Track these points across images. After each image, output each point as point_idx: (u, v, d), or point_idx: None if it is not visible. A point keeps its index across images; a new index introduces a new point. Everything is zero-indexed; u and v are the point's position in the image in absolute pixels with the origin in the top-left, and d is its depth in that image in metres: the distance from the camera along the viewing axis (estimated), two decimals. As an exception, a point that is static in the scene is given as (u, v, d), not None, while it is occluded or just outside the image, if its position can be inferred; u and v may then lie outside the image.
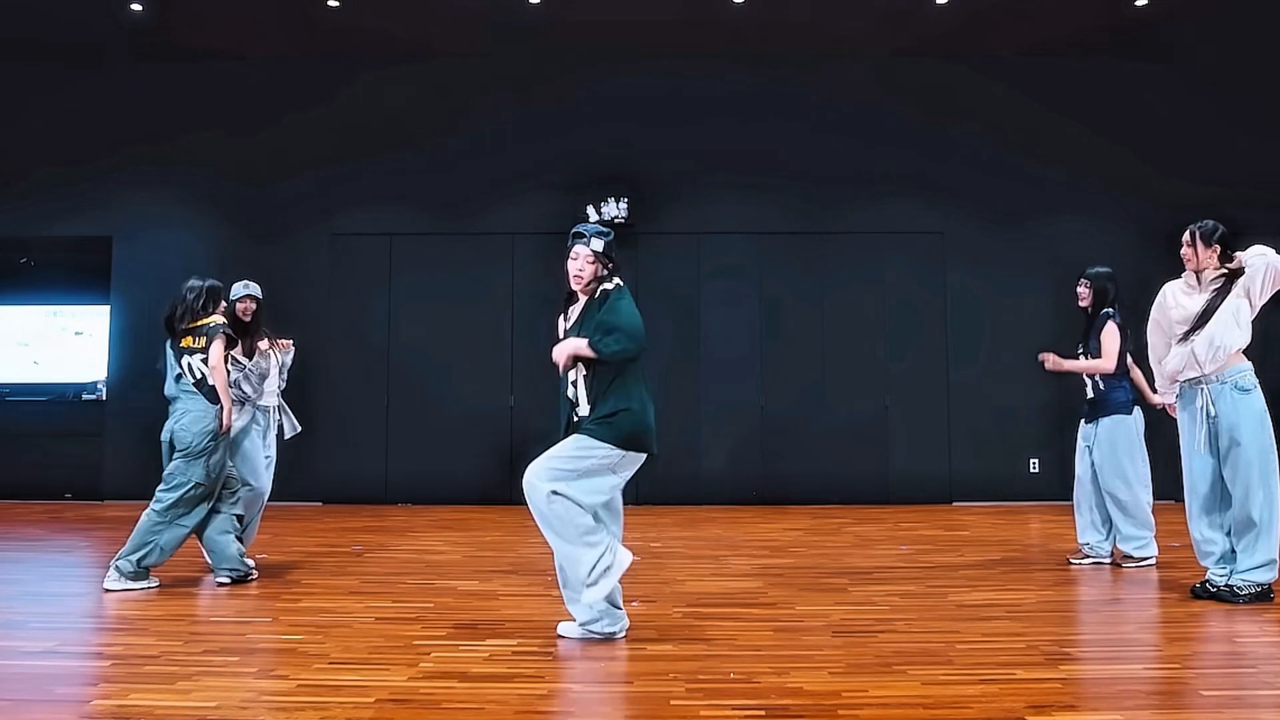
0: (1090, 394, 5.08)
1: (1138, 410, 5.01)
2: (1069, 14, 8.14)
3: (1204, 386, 4.04)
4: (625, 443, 3.31)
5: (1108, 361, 4.93)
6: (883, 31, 8.44)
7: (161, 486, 4.43)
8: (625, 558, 3.33)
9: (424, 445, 8.52)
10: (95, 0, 7.92)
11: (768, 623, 3.71)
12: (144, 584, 4.38)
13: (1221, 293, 4.00)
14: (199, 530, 4.51)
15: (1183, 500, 4.22)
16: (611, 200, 8.40)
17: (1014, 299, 8.55)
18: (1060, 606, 4.10)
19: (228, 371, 4.58)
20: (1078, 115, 8.72)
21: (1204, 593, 4.07)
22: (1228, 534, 4.06)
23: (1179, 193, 8.31)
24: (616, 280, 3.43)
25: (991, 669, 3.01)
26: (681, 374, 8.48)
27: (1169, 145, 8.65)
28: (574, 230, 3.48)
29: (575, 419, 3.39)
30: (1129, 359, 5.07)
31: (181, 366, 4.50)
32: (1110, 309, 5.02)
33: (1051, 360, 5.09)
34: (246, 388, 4.77)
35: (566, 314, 3.53)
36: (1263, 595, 3.93)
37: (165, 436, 4.48)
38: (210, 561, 4.58)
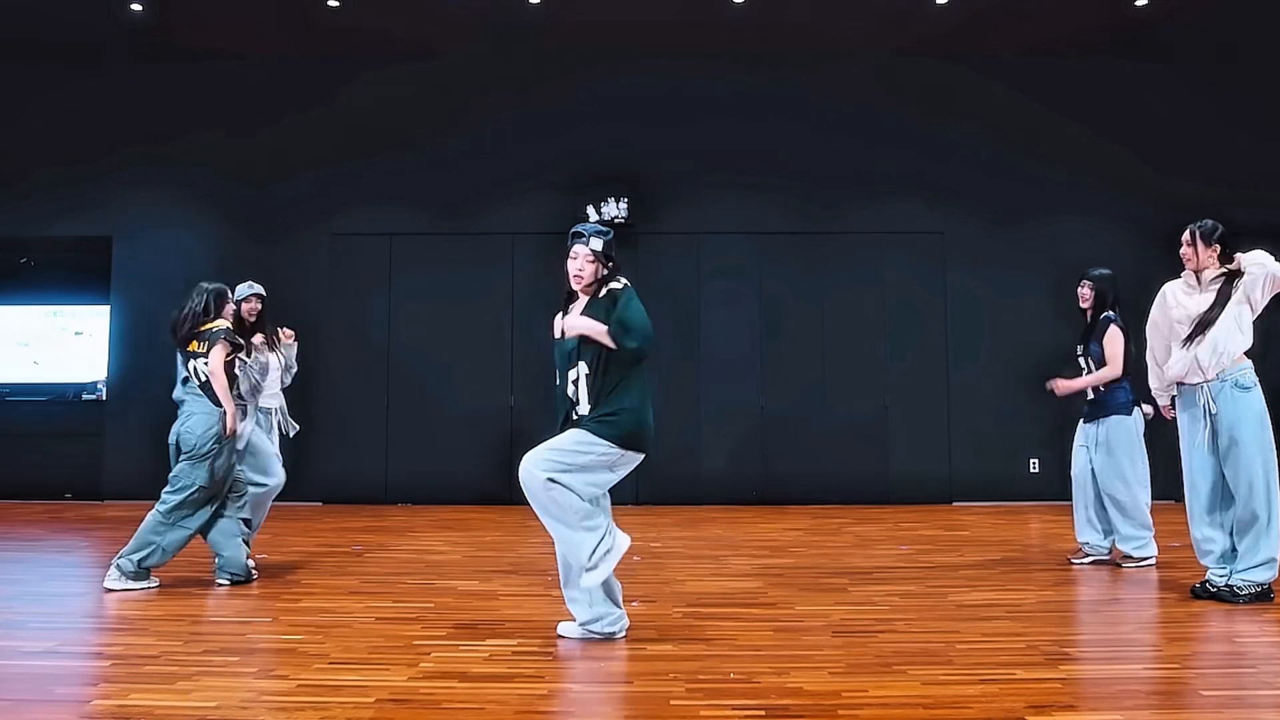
0: (1090, 394, 5.08)
1: (1138, 410, 5.00)
2: (1069, 14, 8.14)
3: (1204, 385, 4.05)
4: (625, 442, 3.31)
5: (1114, 367, 4.92)
6: (883, 31, 8.44)
7: (167, 488, 4.45)
8: (624, 540, 3.34)
9: (424, 445, 8.52)
10: (95, 0, 7.92)
11: (768, 623, 3.71)
12: (144, 584, 4.39)
13: (1221, 294, 4.01)
14: (203, 531, 4.52)
15: (1182, 500, 4.22)
16: (611, 200, 8.40)
17: (1014, 299, 8.55)
18: (1060, 606, 4.10)
19: (236, 376, 4.59)
20: (1078, 115, 8.72)
21: (1204, 593, 4.07)
22: (1229, 533, 4.06)
23: (1179, 193, 8.31)
24: (624, 280, 3.43)
25: (991, 669, 3.01)
26: (681, 374, 8.48)
27: (1169, 145, 8.65)
28: (573, 230, 3.48)
29: (575, 416, 3.39)
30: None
31: (188, 370, 4.51)
32: (1111, 311, 5.02)
33: (1061, 386, 5.07)
34: (244, 385, 4.76)
35: (566, 313, 3.52)
36: (1263, 595, 3.93)
37: (171, 439, 4.49)
38: (216, 563, 4.58)
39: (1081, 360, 5.10)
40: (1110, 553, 5.07)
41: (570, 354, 3.39)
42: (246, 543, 4.63)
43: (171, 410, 4.58)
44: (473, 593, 4.36)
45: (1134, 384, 5.09)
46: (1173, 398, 4.34)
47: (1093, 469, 5.05)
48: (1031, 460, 8.48)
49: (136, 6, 8.00)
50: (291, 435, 5.31)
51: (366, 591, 4.39)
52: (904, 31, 8.44)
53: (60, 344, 9.40)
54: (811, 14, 8.19)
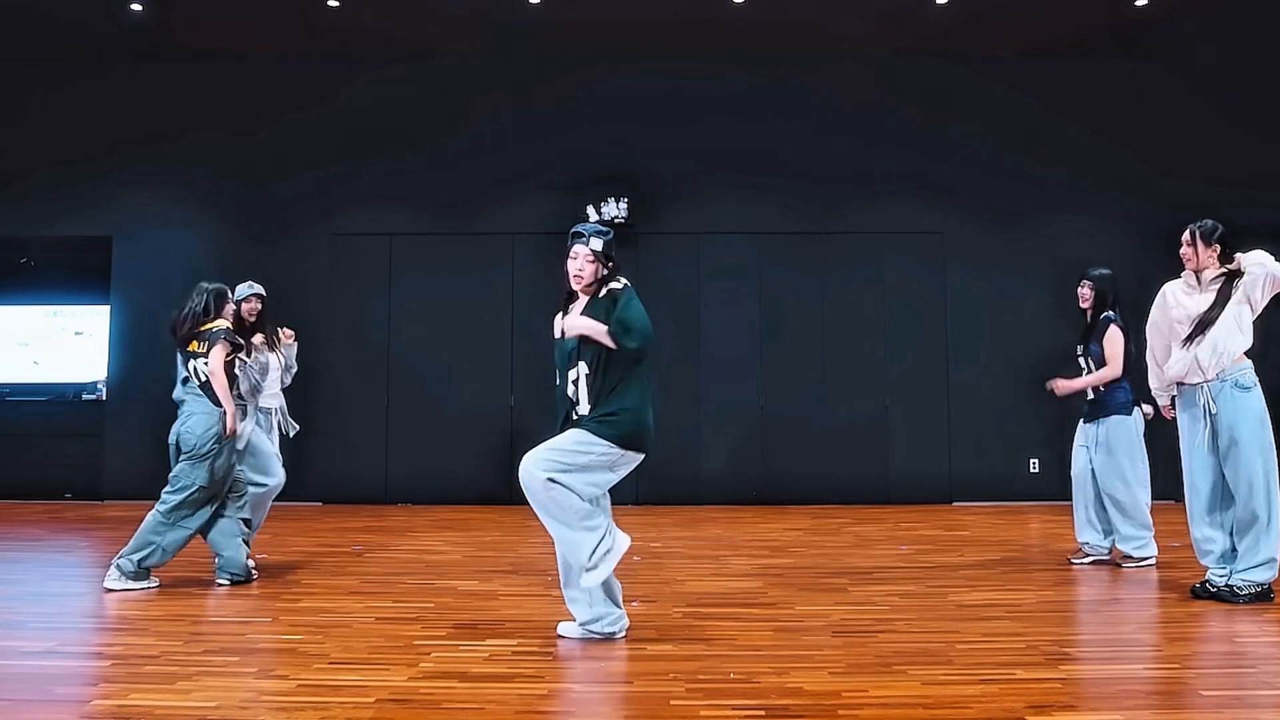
0: (1090, 395, 5.07)
1: (1138, 411, 5.00)
2: (1069, 14, 8.14)
3: (1204, 385, 4.05)
4: (625, 442, 3.30)
5: (1114, 367, 4.92)
6: (883, 31, 8.44)
7: (167, 489, 4.45)
8: (624, 540, 3.34)
9: (424, 445, 8.52)
10: (95, 0, 7.92)
11: (768, 623, 3.71)
12: (144, 584, 4.39)
13: (1221, 294, 4.01)
14: (203, 531, 4.52)
15: (1182, 500, 4.22)
16: (611, 200, 8.40)
17: (1014, 299, 8.55)
18: (1060, 606, 4.10)
19: (236, 376, 4.59)
20: (1078, 115, 8.72)
21: (1204, 593, 4.07)
22: (1229, 533, 4.06)
23: (1179, 193, 8.31)
24: (624, 280, 3.43)
25: (991, 669, 3.01)
26: (681, 374, 8.48)
27: (1169, 145, 8.64)
28: (573, 230, 3.48)
29: (575, 416, 3.38)
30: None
31: (188, 370, 4.51)
32: (1111, 312, 5.02)
33: (1060, 386, 5.07)
34: (244, 385, 4.76)
35: (566, 313, 3.52)
36: (1263, 595, 3.93)
37: (171, 439, 4.50)
38: (216, 563, 4.58)
39: (1081, 360, 5.10)
40: (1110, 553, 5.07)
41: (570, 354, 3.39)
42: (246, 543, 4.62)
43: (171, 410, 4.58)
44: (473, 593, 4.36)
45: (1134, 384, 5.09)
46: (1173, 398, 4.34)
47: (1093, 469, 5.05)
48: (1031, 460, 8.48)
49: (136, 6, 8.00)
50: (291, 435, 5.32)
51: (366, 591, 4.39)
52: (904, 31, 8.44)
53: (60, 344, 9.40)
54: (811, 14, 8.19)
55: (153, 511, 4.44)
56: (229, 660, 3.16)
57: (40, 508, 8.09)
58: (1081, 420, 5.18)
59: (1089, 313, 5.11)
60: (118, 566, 4.37)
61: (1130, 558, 4.94)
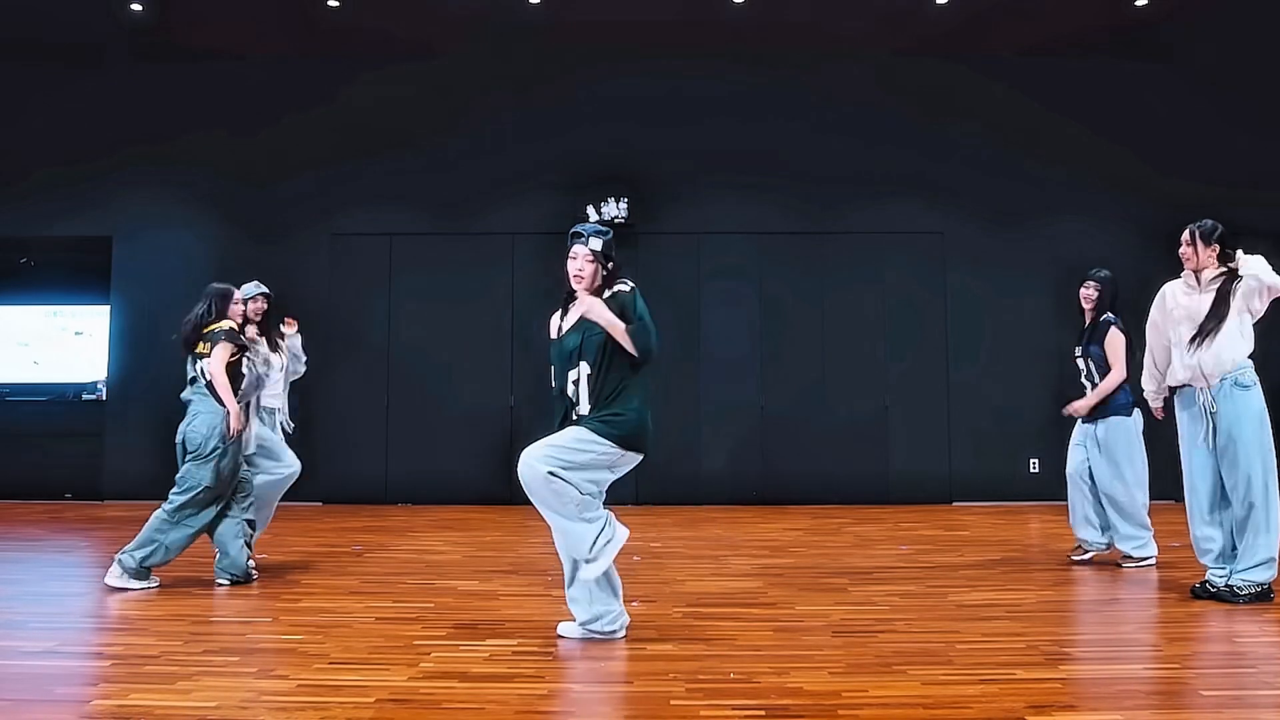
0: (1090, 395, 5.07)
1: (1137, 411, 5.00)
2: (1069, 14, 8.14)
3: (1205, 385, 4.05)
4: (626, 442, 3.31)
5: (1118, 371, 4.92)
6: (883, 31, 8.44)
7: (174, 489, 4.48)
8: (624, 531, 3.35)
9: (424, 445, 8.52)
10: (95, 0, 7.92)
11: (768, 623, 3.71)
12: (144, 584, 4.39)
13: (1221, 294, 4.00)
14: (209, 530, 4.53)
15: (1182, 500, 4.22)
16: (611, 200, 8.40)
17: (1014, 299, 8.55)
18: (1060, 606, 4.10)
19: (243, 375, 4.60)
20: (1078, 115, 8.72)
21: (1204, 593, 4.07)
22: (1229, 533, 4.06)
23: (1179, 193, 8.30)
24: (630, 283, 3.42)
25: (991, 669, 3.01)
26: (681, 374, 8.48)
27: (1169, 145, 8.64)
28: (572, 230, 3.48)
29: (574, 416, 3.38)
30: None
31: (195, 370, 4.52)
32: (1111, 313, 5.01)
33: (1078, 408, 5.01)
34: (246, 379, 4.74)
35: (566, 312, 3.52)
36: (1262, 595, 3.93)
37: (178, 439, 4.52)
38: (216, 563, 4.58)
39: (1080, 362, 5.10)
40: (1109, 548, 5.06)
41: (571, 354, 3.38)
42: (249, 545, 4.63)
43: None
44: (473, 593, 4.36)
45: (1134, 385, 5.09)
46: (1165, 400, 4.36)
47: (1090, 468, 5.05)
48: (1031, 460, 8.48)
49: (136, 6, 8.00)
50: (291, 431, 5.32)
51: (366, 591, 4.39)
52: (904, 31, 8.44)
53: (60, 344, 9.40)
54: (811, 14, 8.19)
55: (158, 510, 4.46)
56: (229, 660, 3.16)
57: (40, 508, 8.09)
58: (1080, 419, 5.18)
59: (1088, 313, 5.11)
60: (119, 562, 4.38)
61: (1130, 558, 4.94)
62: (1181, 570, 4.74)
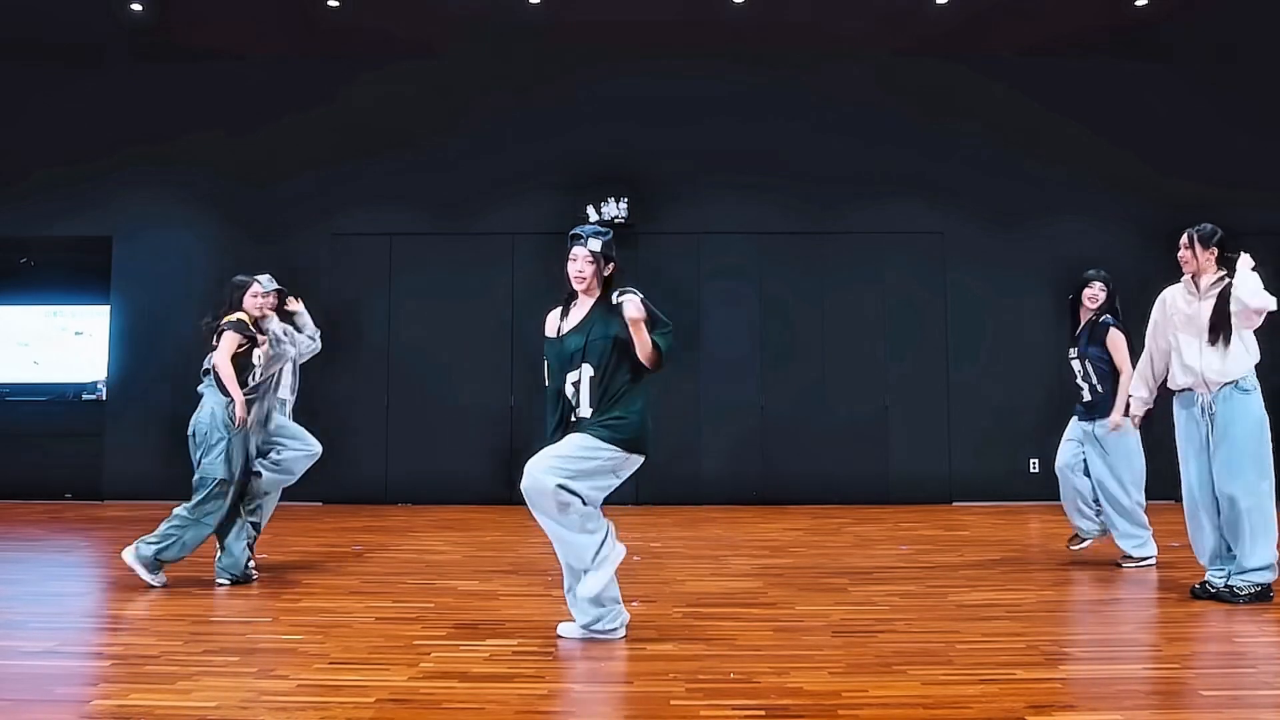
0: (1088, 396, 5.06)
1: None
2: (1069, 14, 8.14)
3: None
4: (630, 445, 3.32)
5: (1129, 370, 4.87)
6: (883, 31, 8.44)
7: (194, 491, 4.50)
8: (620, 549, 3.36)
9: (424, 445, 8.52)
10: (95, 0, 7.92)
11: (768, 623, 3.71)
12: (152, 577, 4.40)
13: (1221, 299, 4.00)
14: (220, 533, 4.54)
15: (1181, 500, 4.22)
16: (611, 200, 8.40)
17: (1014, 299, 8.55)
18: (1060, 606, 4.10)
19: (252, 366, 4.62)
20: (1078, 115, 8.72)
21: (1203, 593, 4.07)
22: (1228, 533, 4.06)
23: (1179, 193, 8.30)
24: (634, 290, 3.40)
25: (991, 669, 3.01)
26: (681, 374, 8.47)
27: (1169, 145, 8.64)
28: (572, 232, 3.48)
29: (575, 420, 3.38)
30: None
31: (208, 362, 4.59)
32: (1110, 315, 5.00)
33: (1115, 422, 4.84)
34: (269, 351, 4.73)
35: (566, 313, 3.52)
36: (1262, 595, 3.93)
37: (189, 430, 4.57)
38: (217, 561, 4.58)
39: (1076, 363, 5.09)
40: (1104, 533, 5.05)
41: (573, 355, 3.38)
42: (251, 546, 4.65)
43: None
44: (473, 593, 4.37)
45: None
46: (1147, 410, 4.38)
47: (1086, 466, 5.05)
48: (1031, 460, 8.47)
49: (136, 6, 8.00)
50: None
51: (366, 591, 4.39)
52: (904, 31, 8.44)
53: (60, 344, 9.40)
54: (811, 14, 8.19)
55: (179, 508, 4.49)
56: (229, 660, 3.16)
57: (40, 508, 8.09)
58: (1076, 417, 5.17)
59: (1086, 314, 5.08)
60: (137, 546, 4.40)
61: (1130, 557, 4.94)
62: (1181, 570, 4.74)
